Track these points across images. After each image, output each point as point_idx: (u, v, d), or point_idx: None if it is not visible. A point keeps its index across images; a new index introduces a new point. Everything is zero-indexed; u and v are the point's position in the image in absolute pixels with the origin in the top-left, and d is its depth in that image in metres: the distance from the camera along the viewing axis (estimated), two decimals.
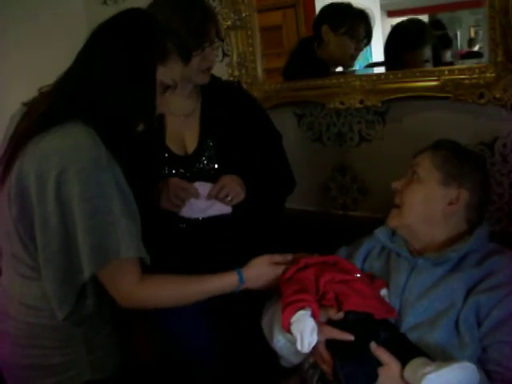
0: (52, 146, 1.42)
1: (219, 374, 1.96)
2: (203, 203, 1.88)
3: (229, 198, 1.87)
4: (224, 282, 1.61)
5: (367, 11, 2.32)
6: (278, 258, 1.65)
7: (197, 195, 1.85)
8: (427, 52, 2.23)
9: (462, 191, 1.58)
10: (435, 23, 2.23)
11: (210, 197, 1.86)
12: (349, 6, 2.34)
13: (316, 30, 2.44)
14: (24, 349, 1.57)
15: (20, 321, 1.57)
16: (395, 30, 2.29)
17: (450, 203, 1.59)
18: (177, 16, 1.79)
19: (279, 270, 1.62)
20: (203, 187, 1.87)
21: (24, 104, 1.59)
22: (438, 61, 2.17)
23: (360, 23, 2.35)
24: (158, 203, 1.83)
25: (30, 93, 1.60)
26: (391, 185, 1.68)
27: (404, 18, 2.30)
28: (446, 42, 2.15)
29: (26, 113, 1.53)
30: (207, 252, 1.92)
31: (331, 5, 2.42)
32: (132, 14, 1.56)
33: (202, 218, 1.91)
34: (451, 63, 2.10)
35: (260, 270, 1.63)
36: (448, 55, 2.18)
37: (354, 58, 2.42)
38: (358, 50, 2.39)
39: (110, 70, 1.47)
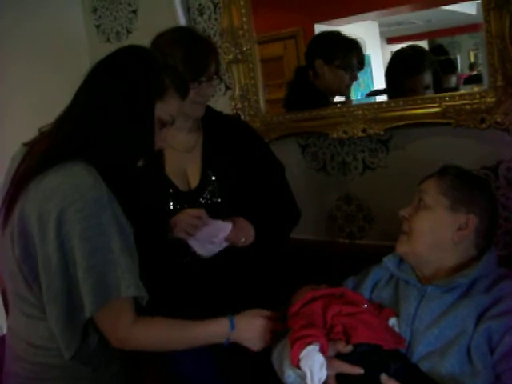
0: (53, 185, 1.43)
1: None
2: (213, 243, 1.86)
3: (243, 240, 1.87)
4: (214, 328, 1.61)
5: (357, 40, 2.34)
6: (268, 313, 1.66)
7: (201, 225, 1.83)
8: (428, 78, 2.23)
9: (471, 217, 1.58)
10: (437, 48, 2.24)
11: (227, 241, 1.85)
12: (338, 35, 2.37)
13: (309, 60, 2.47)
14: None
15: (28, 361, 1.56)
16: (395, 56, 2.31)
17: (459, 229, 1.58)
18: (179, 48, 1.82)
19: (270, 323, 1.63)
20: (220, 227, 1.84)
21: (24, 144, 1.60)
22: (439, 86, 2.18)
23: (352, 53, 2.37)
24: (163, 240, 1.83)
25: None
26: (398, 213, 1.68)
27: (403, 45, 2.32)
28: (450, 66, 2.16)
29: (27, 153, 1.54)
30: (212, 287, 1.91)
31: (321, 36, 2.46)
32: (130, 50, 1.58)
33: None
34: (456, 89, 2.11)
35: (252, 324, 1.64)
36: (453, 80, 2.19)
37: (349, 86, 2.43)
38: (353, 78, 2.40)
39: (108, 108, 1.48)
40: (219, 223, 1.83)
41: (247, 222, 1.89)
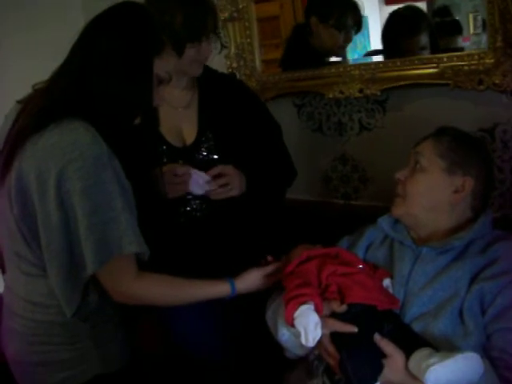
0: (51, 143, 1.42)
1: (224, 367, 1.97)
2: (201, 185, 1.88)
3: (229, 187, 1.88)
4: (216, 291, 1.65)
5: (355, 0, 2.30)
6: (269, 269, 1.69)
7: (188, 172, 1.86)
8: (424, 39, 2.21)
9: (468, 179, 1.57)
10: (442, 9, 2.19)
11: (210, 174, 1.86)
12: None
13: (306, 18, 2.44)
14: (33, 346, 1.58)
15: (27, 318, 1.57)
16: (391, 17, 2.27)
17: (456, 191, 1.57)
18: (178, 7, 1.79)
19: (270, 282, 1.67)
20: (199, 175, 1.87)
21: (18, 102, 1.58)
22: (436, 47, 2.15)
23: (348, 14, 2.34)
24: (156, 193, 1.83)
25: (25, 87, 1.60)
26: (394, 175, 1.66)
27: (401, 6, 2.29)
28: (456, 28, 2.12)
29: (22, 110, 1.53)
30: (208, 246, 1.93)
31: None
32: (127, 7, 1.55)
33: (201, 213, 1.93)
34: (462, 49, 2.07)
35: (252, 284, 1.68)
36: (459, 41, 2.15)
37: (343, 47, 2.41)
38: (348, 40, 2.38)
39: (107, 64, 1.46)
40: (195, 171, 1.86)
41: (238, 174, 1.91)
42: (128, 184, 1.52)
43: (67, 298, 1.48)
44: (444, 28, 2.16)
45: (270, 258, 1.73)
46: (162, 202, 1.85)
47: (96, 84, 1.46)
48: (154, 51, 1.50)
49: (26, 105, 1.54)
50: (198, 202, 1.92)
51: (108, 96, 1.46)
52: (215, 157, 1.93)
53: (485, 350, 1.40)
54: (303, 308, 1.40)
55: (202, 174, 1.86)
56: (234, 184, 1.89)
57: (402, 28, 2.24)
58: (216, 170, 1.87)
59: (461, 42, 2.12)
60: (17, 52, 2.99)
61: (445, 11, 2.16)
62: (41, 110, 1.47)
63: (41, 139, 1.43)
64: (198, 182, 1.85)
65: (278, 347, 1.67)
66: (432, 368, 1.25)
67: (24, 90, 1.59)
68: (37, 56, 2.85)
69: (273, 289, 1.71)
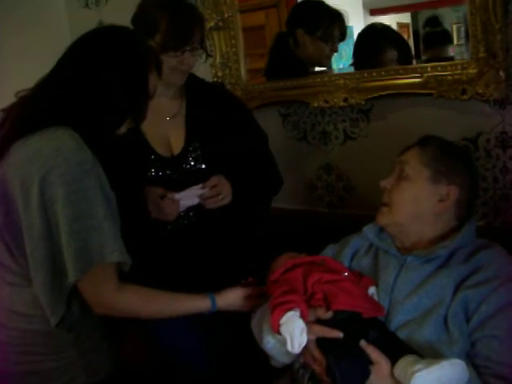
0: (34, 149, 1.42)
1: (209, 376, 1.96)
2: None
3: (220, 197, 1.88)
4: (197, 306, 1.66)
5: (341, 11, 2.33)
6: (251, 291, 1.70)
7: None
8: (390, 54, 2.29)
9: (452, 188, 1.58)
10: (432, 20, 2.23)
11: (205, 186, 1.87)
12: (322, 5, 2.35)
13: (290, 28, 2.46)
14: (18, 356, 1.57)
15: (12, 328, 1.56)
16: (359, 36, 2.36)
17: (441, 200, 1.58)
18: (164, 14, 1.80)
19: (250, 305, 1.69)
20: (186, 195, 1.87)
21: (1, 110, 1.57)
22: (408, 58, 2.23)
23: (335, 25, 2.37)
24: (144, 207, 1.83)
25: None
26: (379, 183, 1.67)
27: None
28: (445, 37, 2.15)
29: (6, 118, 1.52)
30: (194, 253, 1.93)
31: (305, 4, 2.46)
32: (117, 26, 1.57)
33: (188, 221, 1.92)
34: (451, 59, 2.10)
35: (233, 303, 1.69)
36: (448, 51, 2.18)
37: (329, 57, 2.44)
38: (334, 50, 2.41)
39: (104, 77, 1.47)
40: (193, 189, 1.86)
41: (227, 183, 1.90)
42: (112, 194, 1.52)
43: (52, 307, 1.47)
44: (433, 38, 2.19)
45: (250, 279, 1.75)
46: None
47: (85, 94, 1.46)
48: (148, 65, 1.52)
49: (9, 112, 1.53)
50: (184, 210, 1.92)
51: (96, 106, 1.47)
52: (202, 166, 1.93)
53: (469, 358, 1.41)
54: (289, 314, 1.40)
55: (188, 192, 1.86)
56: (225, 193, 1.89)
57: (366, 47, 2.32)
58: (212, 182, 1.87)
59: (450, 51, 2.16)
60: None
61: (434, 21, 2.19)
62: (26, 117, 1.47)
63: (25, 145, 1.43)
64: (188, 201, 1.86)
65: (263, 356, 1.67)
66: (418, 374, 1.25)
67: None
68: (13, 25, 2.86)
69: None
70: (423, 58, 2.22)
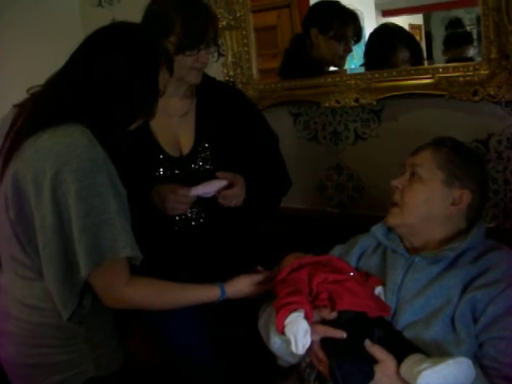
0: (47, 146, 1.43)
1: (216, 375, 1.96)
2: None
3: (234, 202, 1.87)
4: (206, 294, 1.67)
5: (356, 11, 2.33)
6: (259, 278, 1.71)
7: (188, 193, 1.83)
8: (402, 54, 2.29)
9: (465, 192, 1.57)
10: (455, 22, 2.21)
11: (227, 179, 1.84)
12: (337, 5, 2.34)
13: (305, 29, 2.46)
14: (28, 348, 1.58)
15: (23, 320, 1.57)
16: (370, 37, 2.36)
17: (453, 203, 1.57)
18: (180, 14, 1.79)
19: (259, 290, 1.70)
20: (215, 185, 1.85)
21: (15, 106, 1.59)
22: (419, 59, 2.23)
23: (348, 25, 2.37)
24: (152, 206, 1.83)
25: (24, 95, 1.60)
26: (390, 183, 1.65)
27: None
28: (467, 38, 2.14)
29: (19, 114, 1.53)
30: (201, 254, 1.93)
31: (319, 5, 2.44)
32: (130, 23, 1.58)
33: (196, 222, 1.92)
34: (472, 59, 2.09)
35: (241, 289, 1.70)
36: (470, 51, 2.17)
37: (343, 58, 2.43)
38: (348, 50, 2.40)
39: (112, 73, 1.48)
40: (214, 182, 1.84)
41: (244, 185, 1.89)
42: (123, 190, 1.53)
43: (63, 301, 1.48)
44: (455, 39, 2.18)
45: (259, 268, 1.75)
46: (157, 210, 1.85)
47: (98, 91, 1.47)
48: (159, 61, 1.53)
49: (22, 108, 1.55)
50: (193, 210, 1.92)
51: (109, 103, 1.48)
52: (210, 167, 1.93)
53: (476, 359, 1.40)
54: (293, 315, 1.40)
55: (204, 187, 1.83)
56: (240, 198, 1.88)
57: (378, 48, 2.32)
58: (230, 177, 1.84)
59: (471, 52, 2.15)
60: (11, 44, 2.99)
61: (457, 23, 2.18)
62: (39, 113, 1.48)
63: (37, 142, 1.44)
64: (205, 193, 1.84)
65: (270, 355, 1.67)
66: (424, 373, 1.25)
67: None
68: (32, 48, 2.87)
69: (264, 297, 1.72)
70: (444, 58, 2.21)
